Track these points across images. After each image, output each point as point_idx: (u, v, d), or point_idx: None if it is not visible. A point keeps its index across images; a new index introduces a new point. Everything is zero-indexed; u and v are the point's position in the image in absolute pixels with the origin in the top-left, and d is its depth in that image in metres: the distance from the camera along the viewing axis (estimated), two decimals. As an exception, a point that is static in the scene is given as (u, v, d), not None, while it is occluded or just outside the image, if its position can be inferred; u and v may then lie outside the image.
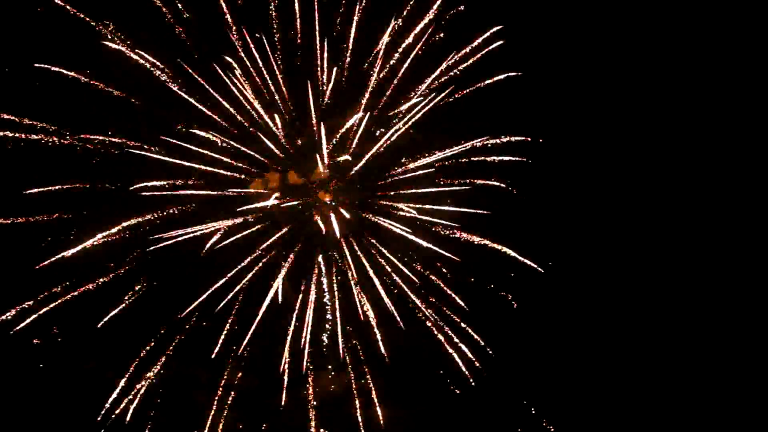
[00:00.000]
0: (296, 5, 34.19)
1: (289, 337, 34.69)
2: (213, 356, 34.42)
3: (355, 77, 35.36)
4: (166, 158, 33.22)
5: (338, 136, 35.12)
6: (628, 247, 37.14)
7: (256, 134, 34.54)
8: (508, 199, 35.17)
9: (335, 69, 34.83)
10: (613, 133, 37.30)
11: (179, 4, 33.00)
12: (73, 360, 33.78)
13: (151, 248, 32.76)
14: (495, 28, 34.24)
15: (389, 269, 34.92)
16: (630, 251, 36.99)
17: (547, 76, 35.90)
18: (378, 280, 34.65)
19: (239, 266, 34.08)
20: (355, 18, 34.54)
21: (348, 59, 34.99)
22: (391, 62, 34.88)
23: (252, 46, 33.86)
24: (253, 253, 34.19)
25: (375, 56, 34.78)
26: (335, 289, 34.79)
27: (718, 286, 36.59)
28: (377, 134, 35.51)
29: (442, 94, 34.92)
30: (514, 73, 34.93)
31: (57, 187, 31.93)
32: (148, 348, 33.64)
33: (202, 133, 33.74)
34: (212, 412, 34.47)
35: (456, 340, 34.91)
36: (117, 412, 33.18)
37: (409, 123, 35.12)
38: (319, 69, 34.67)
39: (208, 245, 33.39)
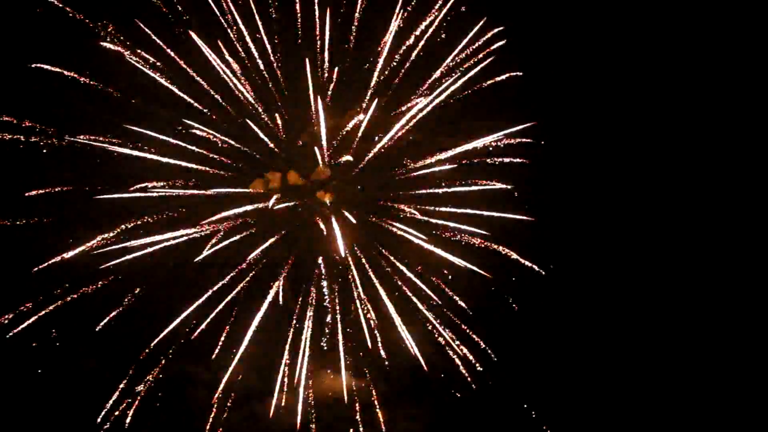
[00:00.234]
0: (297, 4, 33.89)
1: (289, 339, 34.74)
2: (213, 357, 34.45)
3: (356, 76, 35.10)
4: (165, 159, 33.04)
5: (339, 134, 34.95)
6: (630, 249, 36.80)
7: (257, 133, 34.27)
8: (510, 199, 34.81)
9: (336, 68, 34.52)
10: (615, 134, 37.04)
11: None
12: (73, 361, 33.73)
13: (150, 250, 32.59)
14: (496, 29, 33.79)
15: (391, 271, 34.77)
16: (632, 253, 36.62)
17: (549, 76, 35.56)
18: (379, 283, 34.51)
19: (238, 267, 34.04)
20: (357, 14, 34.28)
21: (350, 58, 34.78)
22: (393, 64, 34.64)
23: (252, 45, 33.62)
24: (251, 253, 34.05)
25: (376, 56, 34.50)
26: (335, 291, 34.68)
27: (721, 290, 36.15)
28: (379, 135, 35.18)
29: (446, 92, 34.45)
30: (517, 73, 34.58)
31: (57, 189, 31.92)
32: (148, 349, 33.58)
33: (202, 133, 33.58)
34: (212, 412, 34.53)
35: (457, 342, 34.80)
36: (116, 413, 33.29)
37: (413, 121, 34.76)
38: (320, 66, 34.44)
39: (208, 247, 33.19)
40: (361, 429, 35.06)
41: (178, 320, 33.36)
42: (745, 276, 36.52)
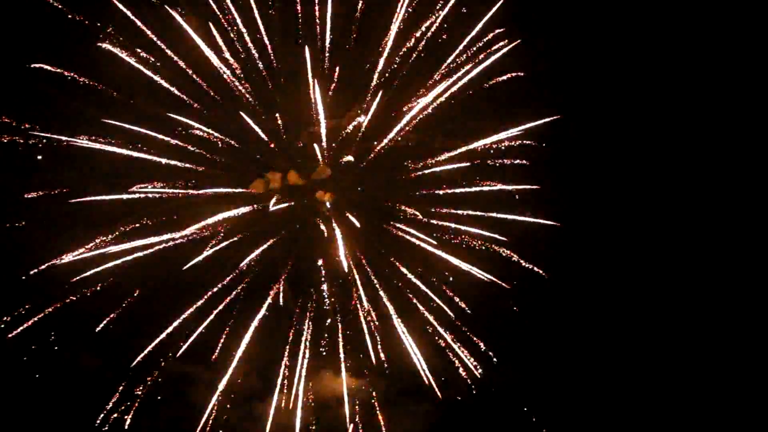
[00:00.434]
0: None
1: (289, 339, 34.68)
2: (213, 357, 34.41)
3: (358, 73, 34.79)
4: (163, 160, 32.92)
5: (340, 133, 34.75)
6: (634, 253, 36.47)
7: (257, 133, 34.09)
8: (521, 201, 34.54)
9: (338, 68, 34.29)
10: (625, 135, 36.58)
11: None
12: (73, 362, 33.72)
13: (150, 252, 32.51)
14: (497, 30, 33.45)
15: (392, 274, 34.57)
16: (635, 257, 36.25)
17: (559, 75, 35.15)
18: (380, 286, 34.35)
19: (238, 269, 33.96)
20: (359, 7, 33.97)
21: (351, 55, 34.46)
22: (397, 59, 34.21)
23: (251, 44, 33.43)
24: (251, 254, 33.91)
25: (378, 53, 34.18)
26: (336, 293, 34.53)
27: (725, 295, 35.82)
28: (382, 134, 34.88)
29: (452, 89, 34.12)
30: (519, 74, 34.25)
31: (54, 192, 31.82)
32: (148, 350, 33.51)
33: (201, 133, 33.45)
34: (212, 412, 34.49)
35: (458, 344, 34.64)
36: (117, 413, 33.34)
37: (417, 119, 34.42)
38: (321, 65, 34.15)
39: (208, 248, 33.10)
40: (360, 429, 35.07)
41: (178, 321, 33.40)
42: (746, 278, 36.27)
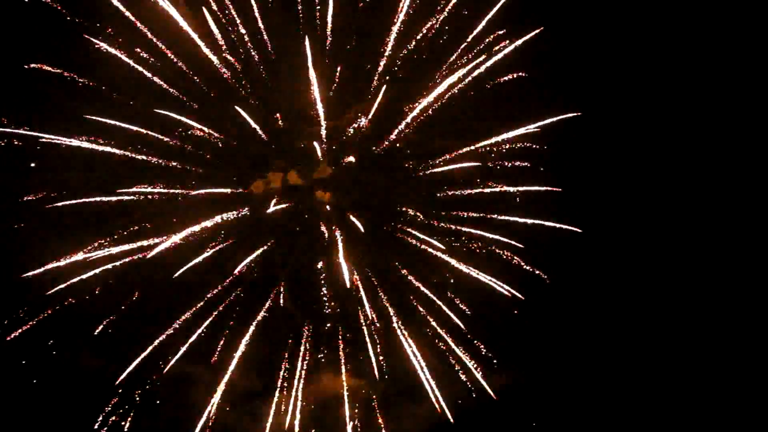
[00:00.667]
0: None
1: (288, 339, 34.65)
2: (214, 357, 34.33)
3: (360, 70, 34.31)
4: (158, 160, 32.55)
5: (342, 133, 34.38)
6: (643, 258, 36.10)
7: (257, 134, 33.72)
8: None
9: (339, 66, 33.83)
10: (630, 137, 36.05)
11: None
12: (73, 363, 33.57)
13: (150, 254, 32.27)
14: (500, 32, 32.95)
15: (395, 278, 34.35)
16: (638, 260, 36.00)
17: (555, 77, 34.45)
18: (382, 292, 34.22)
19: (238, 270, 33.76)
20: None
21: (353, 50, 33.97)
22: (402, 54, 33.68)
23: (249, 44, 32.94)
24: (251, 255, 33.69)
25: (381, 48, 33.72)
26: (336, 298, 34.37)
27: (739, 302, 35.63)
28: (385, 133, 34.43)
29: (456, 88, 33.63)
30: (522, 74, 33.79)
31: (53, 194, 31.46)
32: (148, 351, 33.38)
33: (200, 133, 33.08)
34: (212, 412, 34.50)
35: (461, 348, 34.54)
36: (117, 413, 33.32)
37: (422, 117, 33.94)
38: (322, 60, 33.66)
39: (208, 249, 32.87)
40: (359, 429, 35.14)
41: (178, 322, 33.29)
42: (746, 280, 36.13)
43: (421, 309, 34.19)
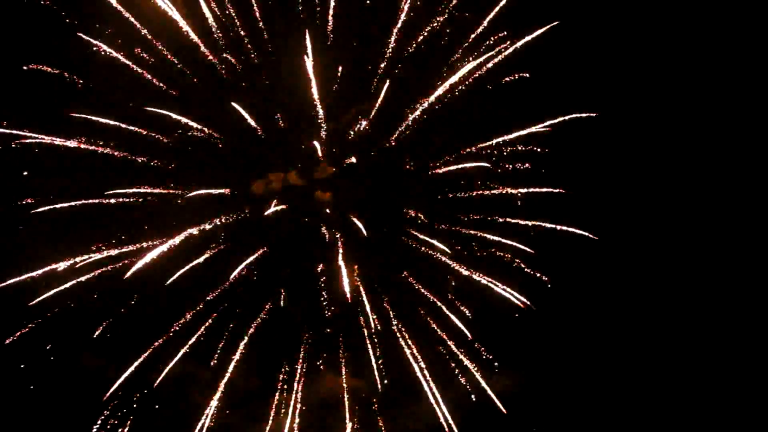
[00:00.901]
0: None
1: (288, 340, 34.51)
2: (214, 357, 34.22)
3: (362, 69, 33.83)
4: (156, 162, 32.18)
5: (342, 130, 33.97)
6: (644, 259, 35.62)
7: (258, 134, 33.35)
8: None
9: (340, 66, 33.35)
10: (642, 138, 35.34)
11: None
12: (73, 363, 33.40)
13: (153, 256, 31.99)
14: (502, 33, 32.42)
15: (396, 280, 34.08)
16: (645, 264, 35.53)
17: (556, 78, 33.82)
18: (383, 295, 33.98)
19: (238, 270, 33.51)
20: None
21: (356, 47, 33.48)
22: (408, 50, 33.15)
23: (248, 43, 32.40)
24: (251, 256, 33.44)
25: (382, 53, 33.21)
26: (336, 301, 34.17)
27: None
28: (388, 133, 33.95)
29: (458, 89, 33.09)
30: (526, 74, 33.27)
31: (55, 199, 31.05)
32: (148, 351, 33.26)
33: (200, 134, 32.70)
34: (212, 412, 34.45)
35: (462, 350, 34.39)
36: (118, 413, 33.24)
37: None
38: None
39: (208, 252, 32.62)
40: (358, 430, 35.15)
41: (178, 323, 33.14)
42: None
43: (422, 312, 34.03)
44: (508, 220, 33.64)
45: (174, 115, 32.17)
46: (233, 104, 32.54)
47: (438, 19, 32.46)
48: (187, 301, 33.15)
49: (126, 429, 33.06)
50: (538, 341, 34.27)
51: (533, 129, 33.04)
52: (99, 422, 32.72)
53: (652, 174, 35.23)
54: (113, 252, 31.60)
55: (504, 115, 33.33)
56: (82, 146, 31.28)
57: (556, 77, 32.82)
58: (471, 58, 32.78)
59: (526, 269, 33.41)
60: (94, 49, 30.42)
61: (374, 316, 33.46)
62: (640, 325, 35.26)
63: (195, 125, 32.48)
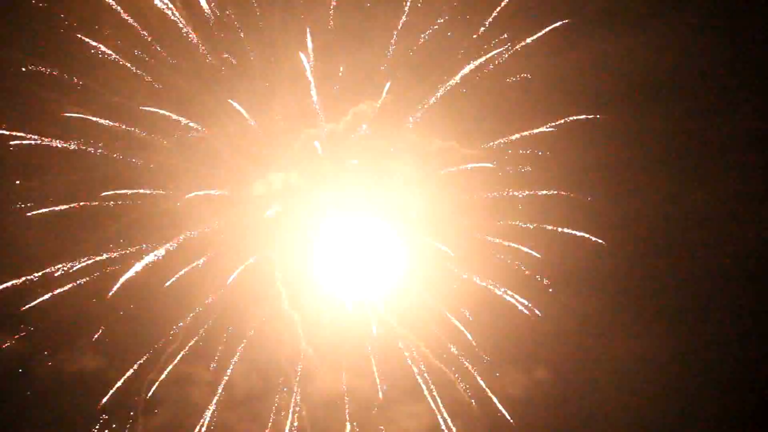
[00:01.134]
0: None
1: (289, 339, 34.45)
2: (214, 358, 34.20)
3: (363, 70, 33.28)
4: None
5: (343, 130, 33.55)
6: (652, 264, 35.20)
7: (257, 133, 32.96)
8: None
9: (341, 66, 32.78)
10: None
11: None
12: (74, 363, 33.37)
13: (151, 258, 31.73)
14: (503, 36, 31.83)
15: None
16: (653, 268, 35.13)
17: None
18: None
19: (239, 271, 33.32)
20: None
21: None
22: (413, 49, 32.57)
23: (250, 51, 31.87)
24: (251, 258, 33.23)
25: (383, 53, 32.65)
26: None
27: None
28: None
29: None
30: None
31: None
32: (149, 352, 33.21)
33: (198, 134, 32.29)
34: (212, 412, 34.50)
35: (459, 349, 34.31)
36: (118, 414, 33.28)
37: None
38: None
39: (208, 253, 32.42)
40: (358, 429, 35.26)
41: (179, 324, 33.06)
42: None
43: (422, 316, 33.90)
44: (511, 222, 33.42)
45: (173, 115, 31.82)
46: (232, 103, 32.16)
47: (439, 21, 31.86)
48: (186, 303, 32.94)
49: (127, 429, 33.15)
50: (542, 346, 34.14)
51: (537, 130, 32.69)
52: (99, 424, 32.80)
53: (660, 176, 34.77)
54: (111, 255, 31.32)
55: (507, 116, 32.94)
56: (80, 147, 30.89)
57: (560, 78, 32.32)
58: (473, 59, 32.38)
59: (527, 272, 33.36)
60: (92, 51, 29.82)
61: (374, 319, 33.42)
62: (645, 330, 34.97)
63: (194, 125, 31.98)
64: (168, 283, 31.25)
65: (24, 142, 30.06)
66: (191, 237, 32.70)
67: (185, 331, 33.40)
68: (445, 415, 33.72)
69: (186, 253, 32.70)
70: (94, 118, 30.86)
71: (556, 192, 32.82)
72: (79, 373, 32.56)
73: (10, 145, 30.00)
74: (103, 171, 31.17)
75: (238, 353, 34.18)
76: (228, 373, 34.31)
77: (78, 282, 30.96)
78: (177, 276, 31.74)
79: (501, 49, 32.04)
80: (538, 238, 32.71)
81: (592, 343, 34.14)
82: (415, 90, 33.14)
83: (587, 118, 32.16)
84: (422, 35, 32.17)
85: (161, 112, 31.58)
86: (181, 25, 30.69)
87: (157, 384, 32.87)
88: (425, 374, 34.12)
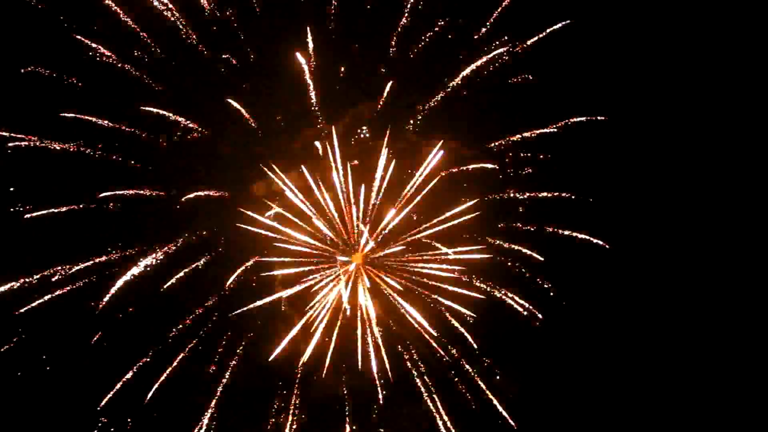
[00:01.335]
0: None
1: (289, 339, 34.33)
2: (214, 359, 34.18)
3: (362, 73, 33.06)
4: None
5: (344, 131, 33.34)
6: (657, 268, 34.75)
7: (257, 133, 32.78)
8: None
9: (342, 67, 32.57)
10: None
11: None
12: (75, 363, 33.27)
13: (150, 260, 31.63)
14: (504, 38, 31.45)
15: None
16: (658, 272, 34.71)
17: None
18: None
19: (239, 270, 33.21)
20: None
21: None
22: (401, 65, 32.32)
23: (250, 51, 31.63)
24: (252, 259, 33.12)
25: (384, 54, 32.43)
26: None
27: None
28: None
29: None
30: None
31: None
32: (150, 353, 33.14)
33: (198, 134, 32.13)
34: (212, 412, 34.48)
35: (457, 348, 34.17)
36: (118, 414, 33.28)
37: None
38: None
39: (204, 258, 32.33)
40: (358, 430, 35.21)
41: (177, 327, 32.98)
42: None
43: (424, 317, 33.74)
44: (513, 224, 33.20)
45: (171, 116, 31.63)
46: (231, 102, 31.95)
47: (441, 22, 31.55)
48: (186, 304, 32.84)
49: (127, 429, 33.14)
50: (544, 350, 33.86)
51: (539, 132, 32.40)
52: (99, 426, 32.79)
53: (667, 179, 34.34)
54: (112, 257, 31.21)
55: (511, 117, 32.61)
56: (78, 149, 30.72)
57: (565, 80, 31.87)
58: (475, 59, 32.05)
59: (528, 274, 33.11)
60: (90, 54, 29.59)
61: (367, 317, 33.25)
62: (651, 336, 34.72)
63: (193, 126, 31.78)
64: (167, 284, 30.96)
65: (22, 143, 30.03)
66: (191, 237, 32.63)
67: (185, 332, 33.44)
68: (445, 417, 33.60)
69: (186, 254, 32.74)
70: (93, 119, 30.68)
71: (557, 194, 32.60)
72: (77, 376, 32.46)
73: (8, 147, 29.92)
74: (101, 172, 30.98)
75: (238, 353, 34.19)
76: (228, 373, 34.43)
77: (76, 284, 30.93)
78: (176, 277, 31.53)
79: (502, 50, 31.77)
80: (539, 240, 32.52)
81: (594, 346, 33.73)
82: (415, 90, 32.97)
83: (589, 119, 31.89)
84: (423, 36, 31.85)
85: (161, 112, 31.42)
86: (180, 26, 30.40)
87: (157, 385, 32.73)
88: (425, 376, 34.11)
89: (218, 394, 34.22)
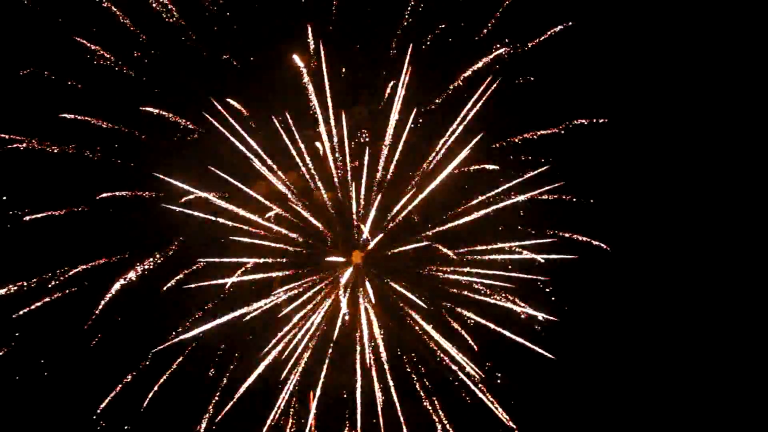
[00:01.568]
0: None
1: (290, 339, 34.30)
2: (214, 359, 34.17)
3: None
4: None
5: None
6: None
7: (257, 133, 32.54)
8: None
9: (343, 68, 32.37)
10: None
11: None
12: (75, 363, 33.24)
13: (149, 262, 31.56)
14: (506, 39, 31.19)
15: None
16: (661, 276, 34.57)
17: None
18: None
19: (239, 271, 33.11)
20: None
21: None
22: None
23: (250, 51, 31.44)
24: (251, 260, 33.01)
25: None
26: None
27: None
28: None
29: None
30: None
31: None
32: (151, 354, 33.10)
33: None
34: (212, 412, 34.50)
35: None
36: (118, 414, 33.27)
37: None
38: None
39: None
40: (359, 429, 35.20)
41: (177, 329, 32.94)
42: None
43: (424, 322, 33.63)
44: (513, 226, 33.07)
45: (171, 116, 31.49)
46: (231, 101, 31.78)
47: (441, 25, 31.32)
48: (186, 305, 32.77)
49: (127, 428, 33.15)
50: (544, 353, 33.74)
51: (540, 133, 32.22)
52: (97, 430, 32.82)
53: (668, 182, 34.09)
54: (111, 259, 31.13)
55: (509, 118, 32.41)
56: (78, 150, 30.58)
57: (566, 82, 31.64)
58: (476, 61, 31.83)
59: (528, 276, 32.98)
60: (89, 55, 29.42)
61: (368, 326, 33.15)
62: (652, 338, 34.54)
63: (192, 126, 31.66)
64: (167, 286, 30.89)
65: (21, 145, 29.84)
66: (191, 238, 32.56)
67: (185, 333, 33.40)
68: (445, 420, 33.62)
69: (186, 254, 32.66)
70: (92, 120, 30.52)
71: (558, 195, 32.44)
72: (76, 379, 32.43)
73: (7, 149, 29.78)
74: (100, 174, 30.82)
75: (238, 354, 34.18)
76: (228, 374, 34.40)
77: (75, 287, 30.85)
78: (176, 279, 31.47)
79: (503, 50, 31.53)
80: (540, 241, 32.36)
81: (594, 348, 33.61)
82: (416, 91, 32.71)
83: (591, 121, 31.68)
84: (424, 37, 31.60)
85: (161, 112, 31.26)
86: (180, 26, 30.19)
87: (156, 386, 32.72)
88: (425, 378, 34.09)
89: (218, 394, 34.33)
